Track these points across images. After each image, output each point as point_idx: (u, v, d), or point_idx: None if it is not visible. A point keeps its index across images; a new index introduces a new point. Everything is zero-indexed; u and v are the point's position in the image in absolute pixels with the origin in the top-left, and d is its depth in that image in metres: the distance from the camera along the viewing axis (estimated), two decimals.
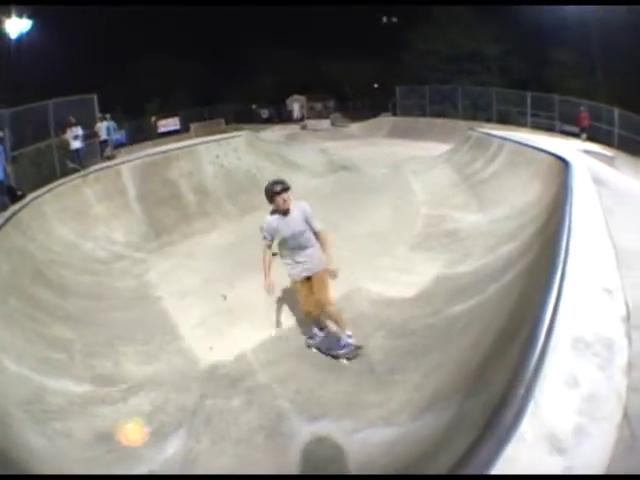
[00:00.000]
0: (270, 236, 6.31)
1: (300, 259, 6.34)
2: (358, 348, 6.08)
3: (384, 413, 4.53)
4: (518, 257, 6.77)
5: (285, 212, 6.22)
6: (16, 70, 25.66)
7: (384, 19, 43.38)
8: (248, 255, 9.58)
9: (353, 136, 32.67)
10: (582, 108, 26.39)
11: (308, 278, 6.40)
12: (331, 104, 47.24)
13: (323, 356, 6.11)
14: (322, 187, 15.45)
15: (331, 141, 28.63)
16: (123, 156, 17.32)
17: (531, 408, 2.57)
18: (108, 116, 19.09)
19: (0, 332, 6.20)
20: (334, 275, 6.26)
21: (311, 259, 6.33)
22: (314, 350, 6.40)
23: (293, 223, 6.23)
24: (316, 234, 6.38)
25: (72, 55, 33.20)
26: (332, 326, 6.56)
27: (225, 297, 8.10)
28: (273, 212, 6.31)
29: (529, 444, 2.36)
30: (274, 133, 31.88)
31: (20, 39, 25.48)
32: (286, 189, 6.23)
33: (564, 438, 2.39)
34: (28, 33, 25.63)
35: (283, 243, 6.36)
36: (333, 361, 5.91)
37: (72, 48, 33.23)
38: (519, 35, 32.99)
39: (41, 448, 4.52)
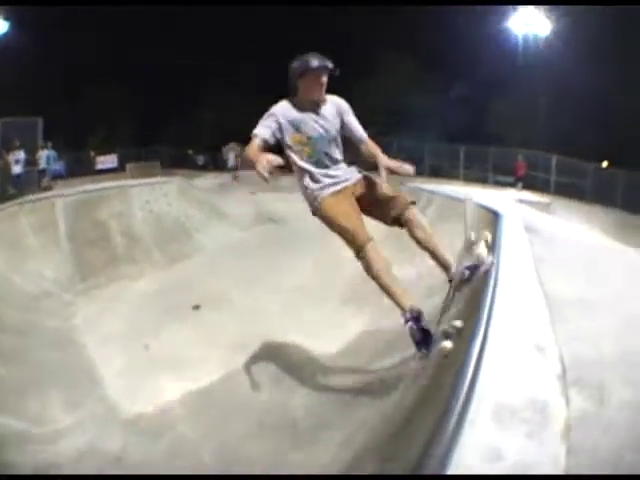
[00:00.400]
0: (272, 132, 4.47)
1: (333, 173, 4.66)
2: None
3: (309, 472, 4.45)
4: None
5: (316, 106, 4.55)
6: None
7: None
8: (173, 305, 9.65)
9: (285, 189, 32.69)
10: (520, 157, 27.58)
11: (354, 187, 4.75)
12: None
13: (250, 409, 5.78)
14: (250, 239, 15.57)
15: (262, 192, 28.75)
16: (60, 188, 16.96)
17: None
18: (49, 145, 18.75)
19: None
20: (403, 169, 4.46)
21: (350, 170, 4.81)
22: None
23: (325, 120, 4.57)
24: (360, 143, 4.73)
25: (21, 75, 32.91)
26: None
27: (147, 347, 7.88)
28: (292, 103, 4.57)
29: None
30: (207, 181, 31.82)
31: None
32: (326, 68, 4.42)
33: None
34: None
35: (303, 152, 4.55)
36: (259, 414, 5.64)
37: (22, 67, 32.94)
38: (459, 87, 34.38)
39: None
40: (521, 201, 16.05)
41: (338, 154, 4.69)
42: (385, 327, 7.74)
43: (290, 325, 8.23)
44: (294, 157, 4.61)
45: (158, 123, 48.03)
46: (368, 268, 4.51)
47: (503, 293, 4.31)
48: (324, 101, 4.58)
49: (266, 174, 4.03)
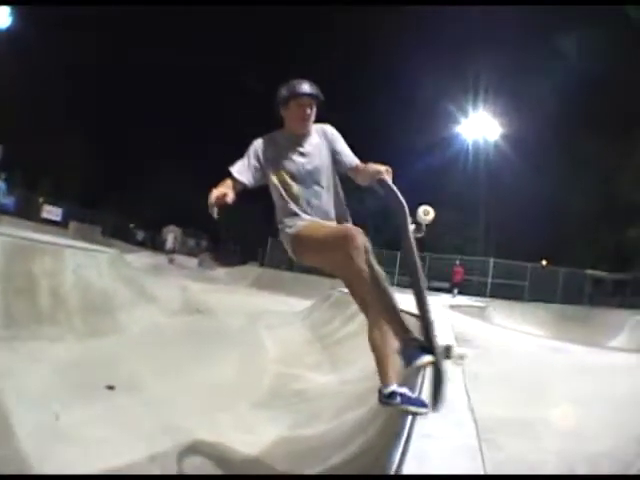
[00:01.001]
0: (252, 174, 4.27)
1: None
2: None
3: None
4: (367, 423, 6.48)
5: (302, 139, 4.26)
6: None
7: None
8: (88, 380, 9.31)
9: (217, 280, 33.02)
10: (457, 262, 27.41)
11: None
12: (204, 243, 47.82)
13: None
14: (173, 326, 15.44)
15: (194, 281, 28.67)
16: (4, 225, 16.42)
17: None
18: (2, 176, 18.06)
19: None
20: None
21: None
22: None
23: (311, 152, 4.25)
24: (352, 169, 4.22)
25: None
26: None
27: (57, 417, 7.49)
28: (273, 136, 4.36)
29: None
30: (141, 259, 31.39)
31: None
32: (315, 97, 4.21)
33: None
34: None
35: (289, 193, 4.17)
36: None
37: None
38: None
39: None
40: (453, 307, 16.05)
41: (330, 194, 4.25)
42: (303, 435, 7.76)
43: (201, 422, 8.04)
44: (278, 198, 4.28)
45: (108, 188, 47.84)
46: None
47: (424, 424, 3.89)
48: (310, 134, 4.29)
49: (214, 211, 4.04)
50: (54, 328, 12.06)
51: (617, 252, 36.61)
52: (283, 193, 4.19)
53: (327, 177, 4.21)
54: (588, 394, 5.80)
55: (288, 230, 4.10)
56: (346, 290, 15.48)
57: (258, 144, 4.24)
